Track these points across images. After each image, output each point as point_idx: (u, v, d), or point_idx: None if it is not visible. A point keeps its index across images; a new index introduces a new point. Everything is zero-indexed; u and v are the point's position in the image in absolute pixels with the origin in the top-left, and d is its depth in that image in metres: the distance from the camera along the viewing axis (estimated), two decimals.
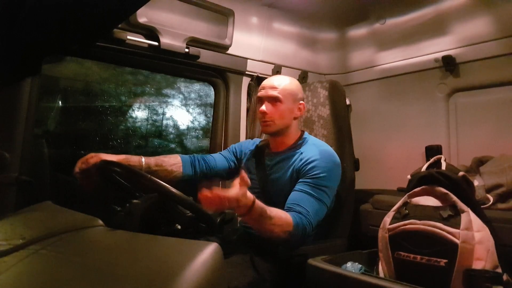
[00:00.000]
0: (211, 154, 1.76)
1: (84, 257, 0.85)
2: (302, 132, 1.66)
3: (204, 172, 1.65)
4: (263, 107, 1.53)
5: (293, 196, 1.41)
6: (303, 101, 1.61)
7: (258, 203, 1.19)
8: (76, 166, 1.40)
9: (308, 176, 1.44)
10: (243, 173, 1.11)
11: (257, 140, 1.80)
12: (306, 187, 1.42)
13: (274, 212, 1.27)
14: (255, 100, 2.30)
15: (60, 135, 2.45)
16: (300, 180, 1.45)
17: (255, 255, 1.38)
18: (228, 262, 1.28)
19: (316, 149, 1.51)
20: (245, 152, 1.75)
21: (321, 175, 1.43)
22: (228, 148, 1.81)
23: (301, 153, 1.53)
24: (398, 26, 2.44)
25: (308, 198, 1.39)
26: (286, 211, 1.36)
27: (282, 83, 1.55)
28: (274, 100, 1.52)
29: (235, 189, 1.10)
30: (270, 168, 1.59)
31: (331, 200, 1.49)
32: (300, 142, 1.58)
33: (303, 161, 1.49)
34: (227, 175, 1.74)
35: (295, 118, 1.58)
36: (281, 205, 1.41)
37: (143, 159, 1.50)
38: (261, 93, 1.57)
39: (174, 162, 1.60)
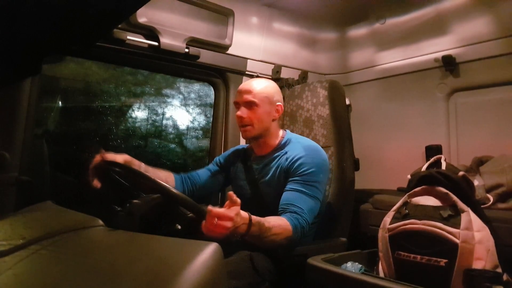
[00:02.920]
0: (197, 171, 1.74)
1: (84, 257, 0.85)
2: (284, 131, 1.65)
3: (190, 190, 1.65)
4: (240, 112, 1.52)
5: (286, 196, 1.41)
6: (281, 102, 1.59)
7: (255, 218, 1.18)
8: (91, 169, 1.36)
9: (297, 174, 1.44)
10: (232, 194, 1.10)
11: (240, 146, 1.80)
12: (297, 185, 1.42)
13: (272, 221, 1.26)
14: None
15: (60, 135, 2.45)
16: (290, 179, 1.45)
17: (255, 255, 1.38)
18: (228, 262, 1.28)
19: (300, 146, 1.51)
20: (232, 161, 1.73)
21: (310, 170, 1.43)
22: (214, 160, 1.79)
23: (286, 152, 1.52)
24: (398, 26, 2.44)
25: (301, 196, 1.39)
26: (281, 213, 1.36)
27: (258, 87, 1.53)
28: (250, 104, 1.51)
29: (228, 210, 1.09)
30: (259, 172, 1.59)
31: (323, 195, 1.49)
32: (283, 142, 1.58)
33: (289, 160, 1.48)
34: (216, 187, 1.74)
35: (273, 120, 1.57)
36: (274, 207, 1.41)
37: (143, 165, 1.50)
38: (237, 98, 1.56)
39: (168, 177, 1.61)
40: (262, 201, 1.56)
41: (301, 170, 1.44)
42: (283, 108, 1.61)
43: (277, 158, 1.54)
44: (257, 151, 1.64)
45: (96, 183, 1.35)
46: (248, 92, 1.52)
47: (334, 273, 1.19)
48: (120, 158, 1.40)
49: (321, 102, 1.83)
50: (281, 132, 1.63)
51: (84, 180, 1.38)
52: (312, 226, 1.55)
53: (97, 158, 1.37)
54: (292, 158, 1.47)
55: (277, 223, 1.28)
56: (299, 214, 1.34)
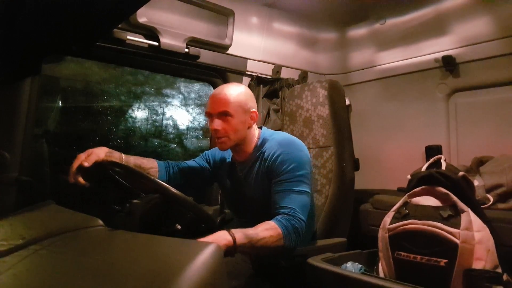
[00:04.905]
0: (186, 161, 1.72)
1: (84, 257, 0.85)
2: (260, 130, 1.60)
3: (177, 178, 1.63)
4: (214, 124, 1.44)
5: (274, 199, 1.39)
6: (255, 108, 1.53)
7: (237, 231, 1.17)
8: (73, 170, 1.33)
9: (280, 173, 1.41)
10: None
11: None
12: (283, 185, 1.39)
13: (259, 228, 1.25)
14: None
15: (60, 135, 2.45)
16: (274, 180, 1.43)
17: (255, 255, 1.38)
18: (228, 262, 1.28)
19: (275, 143, 1.48)
20: (217, 164, 1.71)
21: (291, 166, 1.40)
22: (201, 155, 1.77)
23: (264, 152, 1.50)
24: (398, 26, 2.44)
25: (289, 195, 1.37)
26: (273, 217, 1.35)
27: (231, 96, 1.45)
28: (223, 115, 1.44)
29: None
30: (243, 179, 1.57)
31: (310, 186, 1.46)
32: (260, 143, 1.54)
33: (268, 160, 1.46)
34: (202, 182, 1.72)
35: (249, 128, 1.52)
36: (264, 209, 1.40)
37: (124, 156, 1.47)
38: (209, 108, 1.48)
39: (151, 166, 1.57)
40: (252, 206, 1.55)
41: (283, 169, 1.41)
42: (257, 114, 1.55)
43: (257, 161, 1.52)
44: (237, 157, 1.61)
45: (81, 181, 1.32)
46: (221, 102, 1.44)
47: (334, 273, 1.19)
48: (101, 152, 1.37)
49: (321, 102, 1.83)
50: (256, 132, 1.58)
51: (68, 179, 1.35)
52: (310, 224, 1.54)
53: (86, 160, 1.34)
54: (271, 158, 1.45)
55: (264, 227, 1.26)
56: (290, 215, 1.32)
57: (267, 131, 1.60)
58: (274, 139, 1.51)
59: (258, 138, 1.56)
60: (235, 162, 1.63)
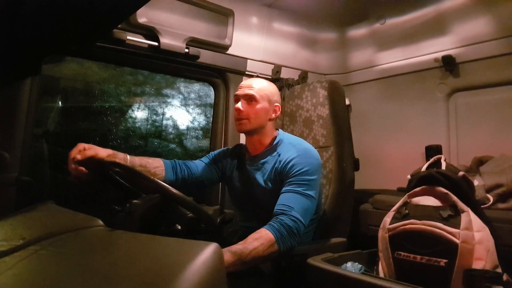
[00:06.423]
0: (193, 161, 1.73)
1: (84, 257, 0.85)
2: (277, 131, 1.65)
3: (185, 178, 1.63)
4: (239, 105, 1.54)
5: (279, 198, 1.41)
6: (279, 103, 1.61)
7: (224, 250, 1.16)
8: (70, 158, 1.33)
9: (290, 175, 1.45)
10: None
11: (236, 146, 1.79)
12: (290, 186, 1.42)
13: (248, 240, 1.26)
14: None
15: (60, 135, 2.45)
16: (285, 181, 1.46)
17: (251, 268, 1.38)
18: None
19: (293, 148, 1.52)
20: (226, 160, 1.73)
21: (303, 170, 1.44)
22: (207, 155, 1.78)
23: (279, 154, 1.53)
24: (398, 26, 2.44)
25: (292, 195, 1.40)
26: (273, 216, 1.36)
27: (259, 85, 1.57)
28: (250, 98, 1.53)
29: None
30: (253, 173, 1.59)
31: (318, 193, 1.49)
32: (276, 142, 1.58)
33: (282, 162, 1.49)
34: (208, 182, 1.73)
35: (270, 120, 1.58)
36: (269, 207, 1.41)
37: (128, 157, 1.48)
38: (238, 92, 1.58)
39: (157, 165, 1.58)
40: (257, 202, 1.56)
41: (294, 171, 1.44)
42: (280, 109, 1.62)
43: (271, 160, 1.55)
44: (251, 150, 1.64)
45: (82, 175, 1.32)
46: (250, 87, 1.55)
47: (334, 273, 1.19)
48: (104, 152, 1.37)
49: (321, 102, 1.83)
50: (275, 131, 1.63)
51: (76, 171, 1.34)
52: (310, 225, 1.54)
53: (79, 153, 1.34)
54: (286, 161, 1.48)
55: (253, 237, 1.27)
56: (285, 214, 1.34)
57: (284, 134, 1.65)
58: (291, 143, 1.56)
59: (275, 136, 1.60)
60: (246, 155, 1.66)
